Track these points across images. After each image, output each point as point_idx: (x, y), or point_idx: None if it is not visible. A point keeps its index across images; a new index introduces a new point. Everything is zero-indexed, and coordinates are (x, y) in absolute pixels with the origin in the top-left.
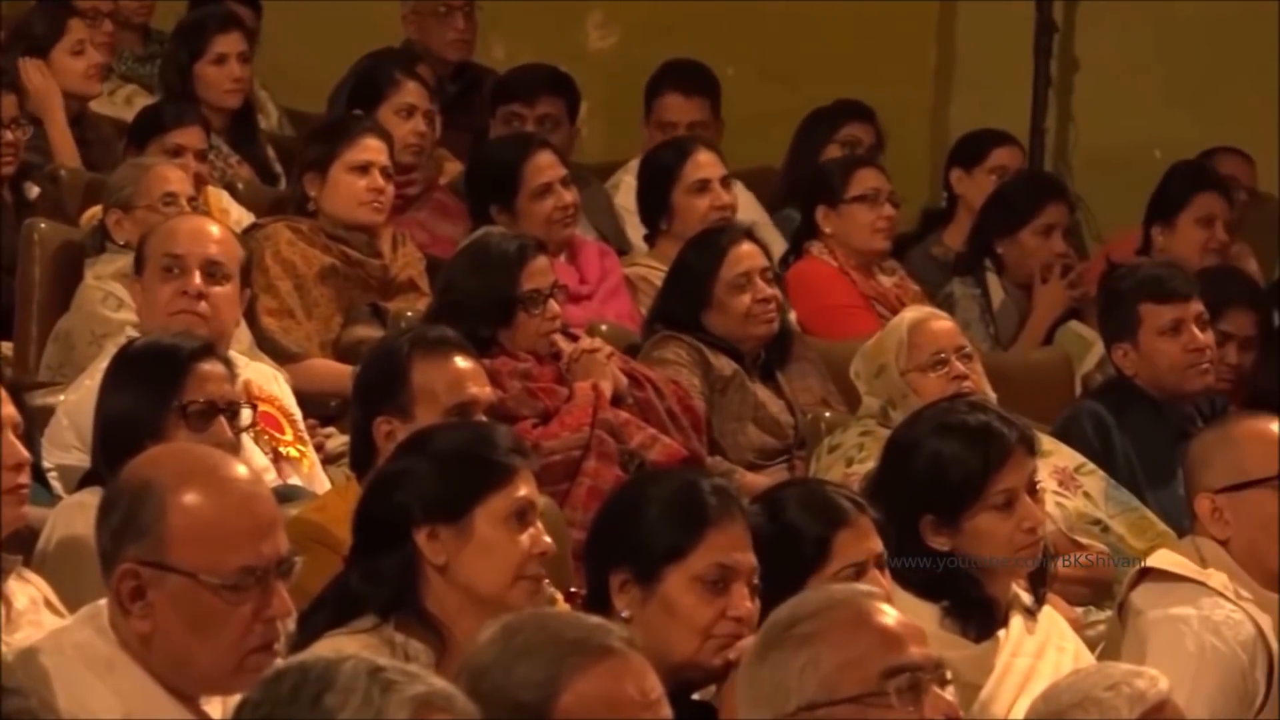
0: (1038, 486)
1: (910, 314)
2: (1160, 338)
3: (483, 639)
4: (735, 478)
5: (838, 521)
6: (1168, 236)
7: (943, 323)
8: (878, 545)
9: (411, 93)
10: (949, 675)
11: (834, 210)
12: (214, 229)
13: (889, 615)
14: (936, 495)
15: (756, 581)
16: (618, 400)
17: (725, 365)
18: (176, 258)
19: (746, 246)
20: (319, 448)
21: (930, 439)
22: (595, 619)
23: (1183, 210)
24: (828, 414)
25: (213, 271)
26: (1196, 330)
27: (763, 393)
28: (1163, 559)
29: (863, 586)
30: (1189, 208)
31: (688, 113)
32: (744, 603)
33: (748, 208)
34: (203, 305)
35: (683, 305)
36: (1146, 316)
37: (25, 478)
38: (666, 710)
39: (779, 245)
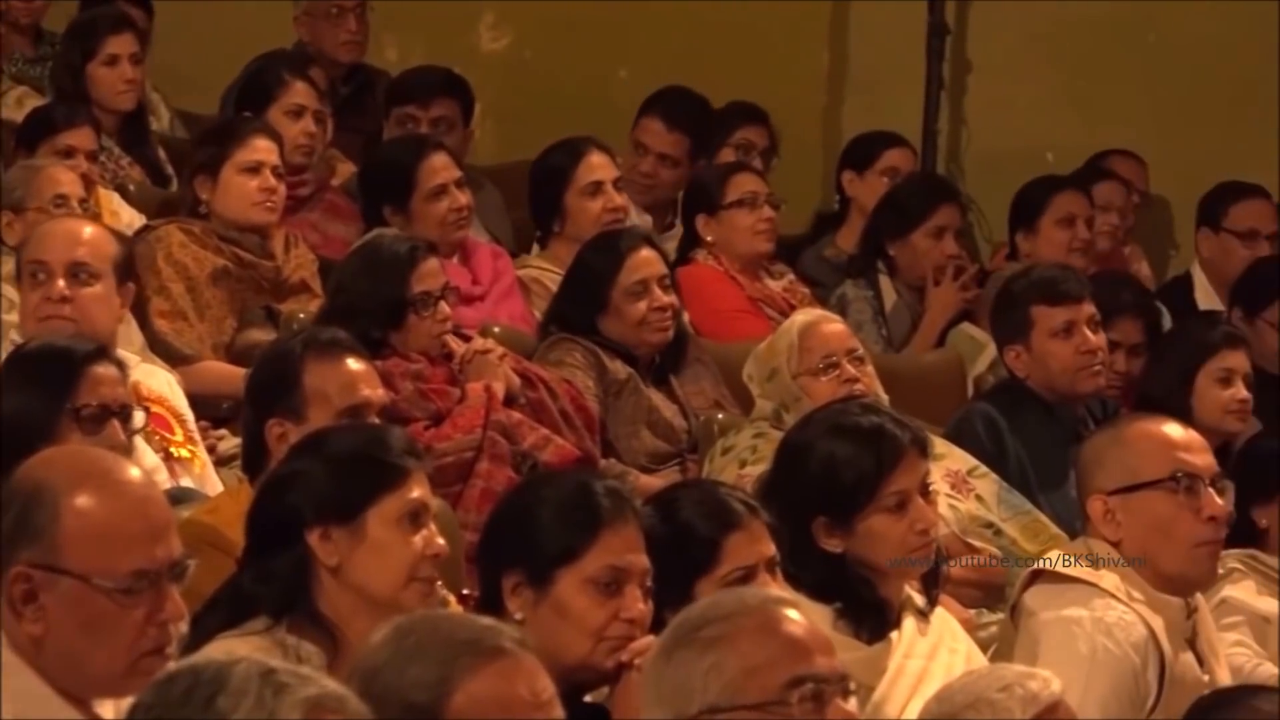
0: (930, 488)
1: (801, 317)
2: (1052, 340)
3: (374, 640)
4: (629, 479)
5: (729, 524)
6: (1031, 241)
7: (833, 325)
8: (769, 549)
9: (300, 93)
10: (853, 686)
11: (713, 218)
12: (84, 230)
13: (798, 624)
14: (829, 497)
15: (649, 583)
16: (510, 401)
17: (620, 369)
18: (41, 263)
19: (645, 253)
20: (211, 450)
21: (823, 441)
22: (487, 620)
23: (1042, 213)
24: (721, 416)
25: (78, 273)
26: (1088, 332)
27: (656, 397)
28: (1055, 561)
29: (775, 593)
30: (1048, 210)
31: (663, 143)
32: (637, 604)
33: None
34: (67, 309)
35: (579, 308)
36: (1039, 318)
37: None
38: (558, 710)
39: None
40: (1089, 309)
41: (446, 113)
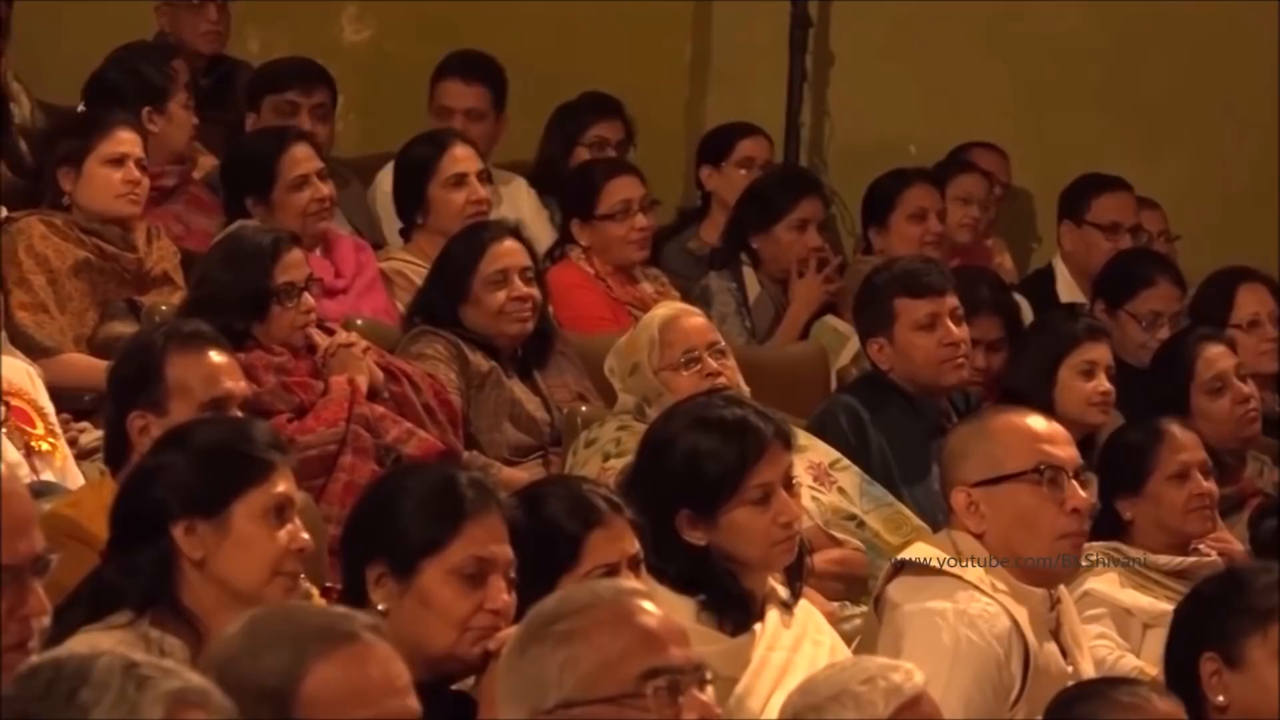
0: (794, 481)
1: (661, 311)
2: (915, 332)
3: (229, 632)
4: (492, 472)
5: (591, 521)
6: (884, 236)
7: (694, 319)
8: (632, 547)
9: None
10: (709, 676)
11: (587, 224)
12: None
13: (651, 616)
14: (693, 490)
15: (513, 574)
16: (374, 395)
17: (482, 361)
18: None
19: (508, 244)
20: (72, 443)
21: (686, 434)
22: (340, 608)
23: (894, 208)
24: (584, 408)
25: None
26: (951, 325)
27: (519, 389)
28: (918, 552)
29: (628, 584)
30: (899, 204)
31: (466, 99)
32: (501, 595)
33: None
34: None
35: (442, 298)
36: (902, 311)
37: None
38: (413, 698)
39: (549, 241)
40: (952, 301)
41: (325, 100)
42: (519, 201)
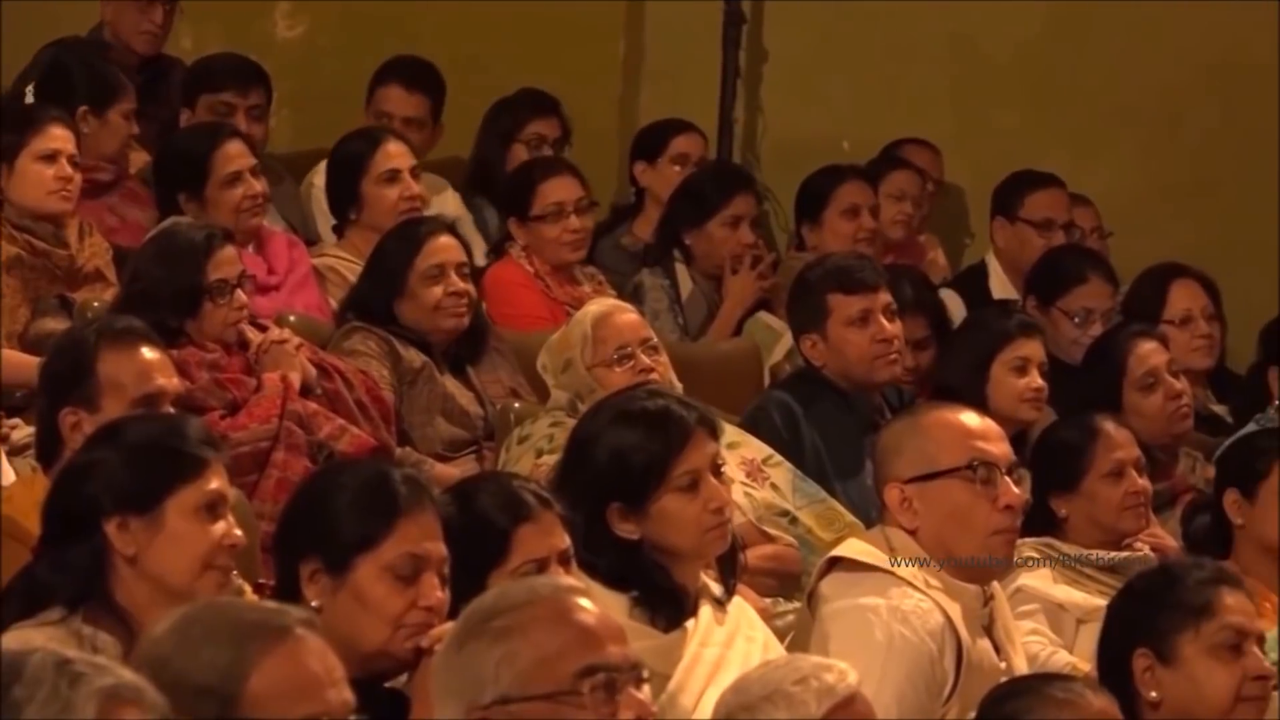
0: (721, 467)
1: (594, 308)
2: (848, 328)
3: (159, 629)
4: (425, 468)
5: (520, 516)
6: (817, 233)
7: (627, 316)
8: (562, 542)
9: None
10: (645, 674)
11: (524, 225)
12: None
13: (589, 613)
14: (621, 482)
15: (447, 571)
16: (306, 391)
17: (415, 357)
18: None
19: (445, 239)
20: (4, 439)
21: (611, 428)
22: (272, 604)
23: (827, 204)
24: (517, 405)
25: None
26: (884, 321)
27: (451, 385)
28: (851, 549)
29: (566, 581)
30: (832, 201)
31: (406, 107)
32: (435, 592)
33: (451, 206)
34: None
35: (377, 292)
36: (835, 307)
37: None
38: (349, 691)
39: (479, 246)
40: (885, 298)
41: (261, 101)
42: (447, 210)
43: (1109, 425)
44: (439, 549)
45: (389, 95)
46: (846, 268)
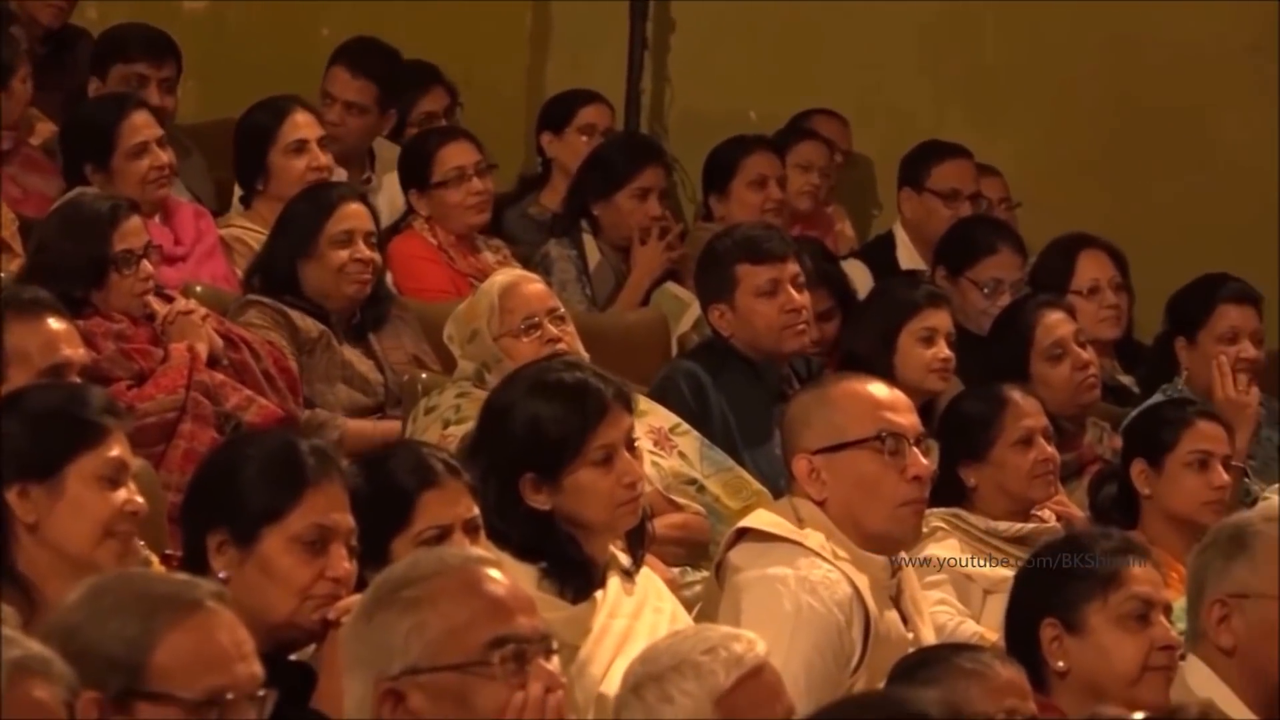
0: (635, 443)
1: (501, 278)
2: (757, 299)
3: (70, 599)
4: (336, 424)
5: (426, 482)
6: (725, 204)
7: (534, 286)
8: (468, 510)
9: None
10: (555, 645)
11: (425, 194)
12: None
13: (499, 584)
14: (535, 453)
15: (354, 542)
16: (213, 362)
17: (311, 327)
18: None
19: (356, 207)
20: None
21: (527, 399)
22: (183, 576)
23: (734, 175)
24: (424, 375)
25: None
26: (793, 291)
27: (350, 353)
28: (760, 519)
29: (476, 552)
30: (739, 172)
31: (348, 91)
32: (342, 563)
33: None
34: None
35: (284, 254)
36: (743, 277)
37: None
38: (258, 664)
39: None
40: (793, 268)
41: (172, 74)
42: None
43: (1017, 394)
44: (346, 520)
45: (334, 76)
46: (755, 238)
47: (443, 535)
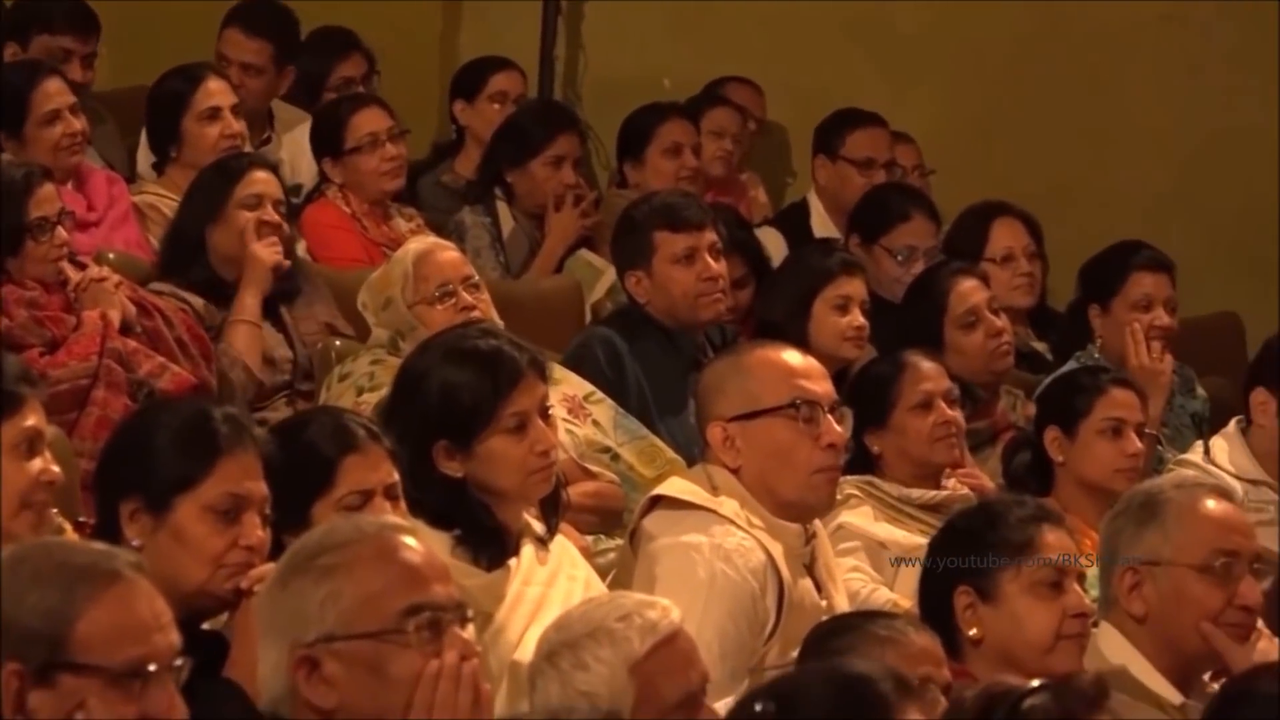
0: (549, 410)
1: (415, 245)
2: (674, 266)
3: None
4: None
5: (348, 446)
6: (640, 171)
7: (448, 253)
8: (390, 475)
9: None
10: (470, 614)
11: (338, 161)
12: None
13: (415, 552)
14: (449, 421)
15: (268, 511)
16: (127, 329)
17: (214, 314)
18: None
19: (264, 174)
20: None
21: (441, 366)
22: (101, 545)
23: (649, 142)
24: (338, 342)
25: None
26: (710, 259)
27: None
28: (674, 486)
29: (392, 520)
30: (654, 139)
31: (244, 53)
32: (256, 531)
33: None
34: None
35: (193, 220)
36: (661, 244)
37: None
38: (175, 633)
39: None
40: (711, 236)
41: (95, 49)
42: (303, 143)
43: (916, 358)
44: (260, 488)
45: (228, 38)
46: (673, 205)
47: (365, 500)
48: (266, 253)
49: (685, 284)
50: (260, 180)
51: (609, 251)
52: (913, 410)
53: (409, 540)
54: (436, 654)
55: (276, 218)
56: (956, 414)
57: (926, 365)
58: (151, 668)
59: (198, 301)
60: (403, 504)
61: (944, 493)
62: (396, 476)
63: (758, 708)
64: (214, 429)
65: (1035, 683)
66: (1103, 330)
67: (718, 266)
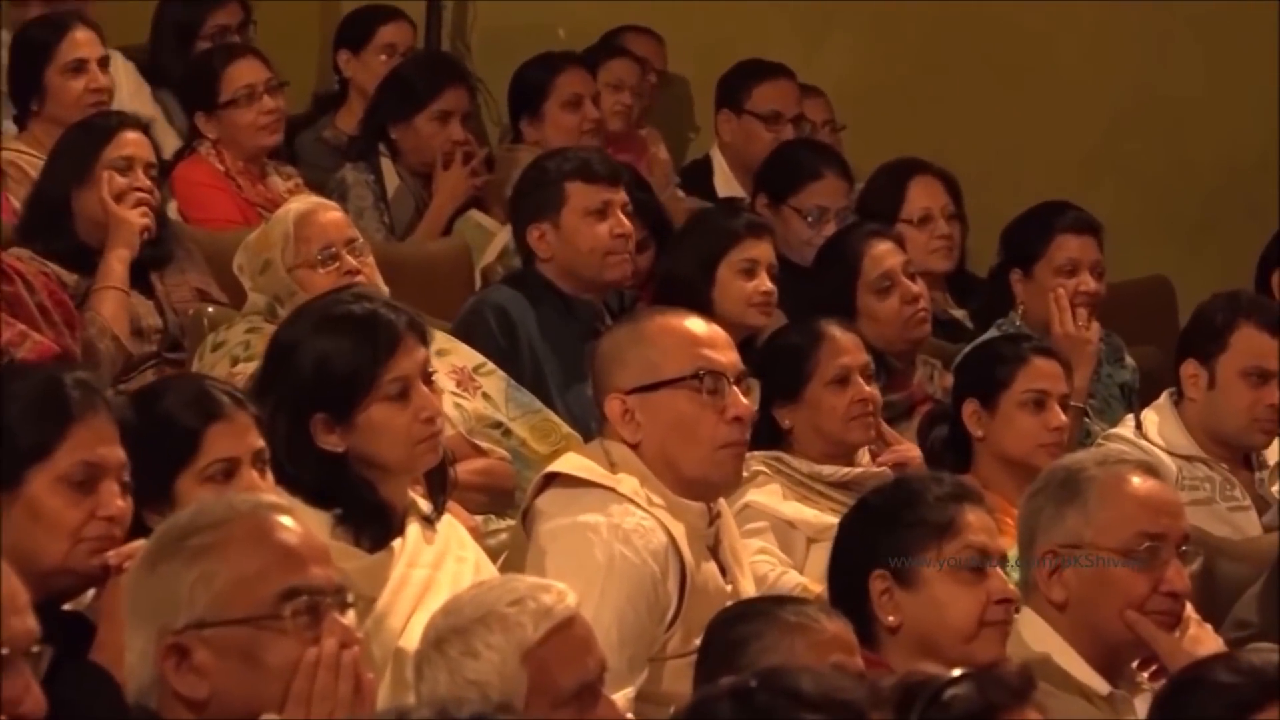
0: (432, 375)
1: (296, 205)
2: (586, 218)
3: None
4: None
5: (212, 415)
6: (538, 126)
7: (331, 214)
8: (256, 442)
9: None
10: (350, 598)
11: (212, 116)
12: None
13: (291, 532)
14: (326, 391)
15: (127, 478)
16: None
17: (79, 282)
18: None
19: (136, 135)
20: None
21: (314, 334)
22: None
23: (546, 96)
24: (211, 309)
25: None
26: (622, 217)
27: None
28: (569, 463)
29: (268, 498)
30: (552, 92)
31: None
32: (115, 501)
33: (121, 77)
34: None
35: (58, 183)
36: (573, 195)
37: None
38: (33, 617)
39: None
40: (623, 196)
41: None
42: (119, 78)
43: (833, 329)
44: (116, 454)
45: None
46: (589, 158)
47: (231, 469)
48: (133, 213)
49: (596, 239)
50: (131, 142)
51: (501, 212)
52: (829, 385)
53: (285, 520)
54: (315, 641)
55: (148, 183)
56: (874, 390)
57: (844, 337)
58: (4, 653)
59: (63, 272)
60: (269, 474)
61: (858, 469)
62: (263, 444)
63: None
64: (65, 395)
65: (957, 672)
66: (1025, 296)
67: (629, 225)
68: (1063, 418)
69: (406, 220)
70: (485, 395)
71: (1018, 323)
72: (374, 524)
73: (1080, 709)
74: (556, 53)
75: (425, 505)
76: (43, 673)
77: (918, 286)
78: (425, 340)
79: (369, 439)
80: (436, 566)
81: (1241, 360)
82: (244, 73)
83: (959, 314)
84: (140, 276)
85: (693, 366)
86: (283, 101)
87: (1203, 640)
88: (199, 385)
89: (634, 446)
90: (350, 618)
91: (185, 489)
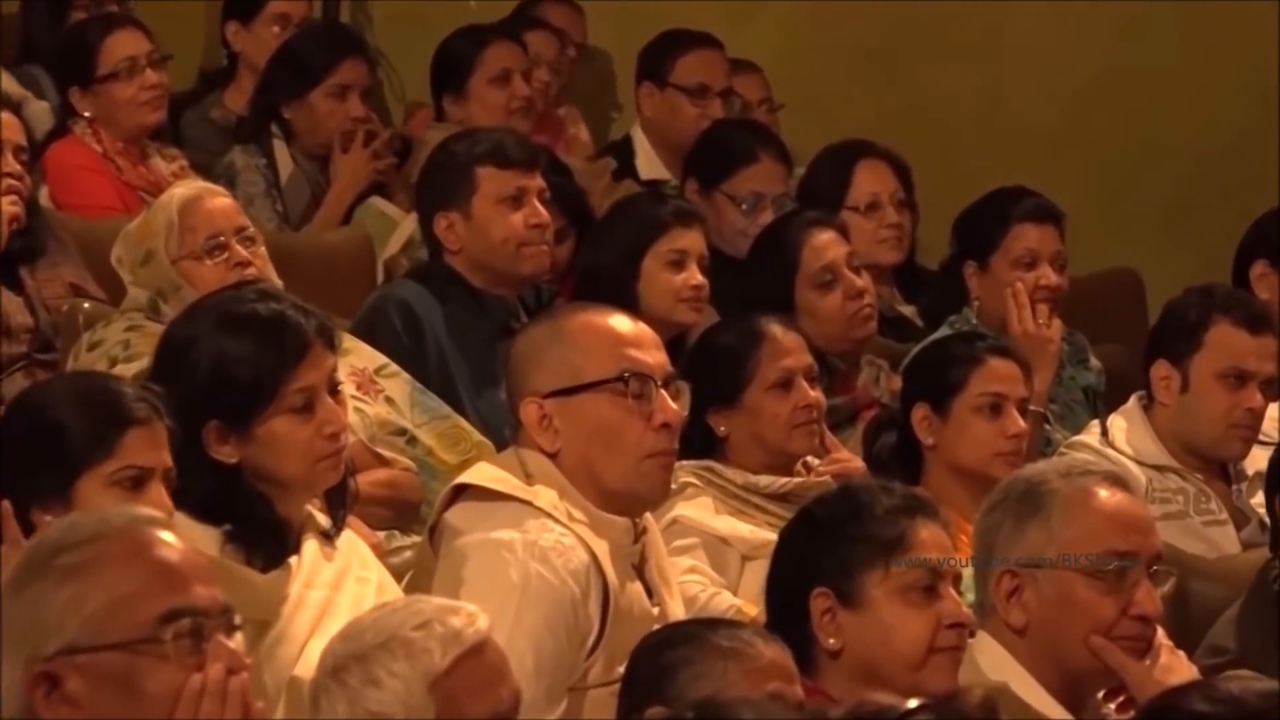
0: (339, 386)
1: (181, 191)
2: (498, 206)
3: None
4: None
5: (133, 418)
6: (462, 104)
7: (219, 201)
8: (169, 459)
9: None
10: (238, 620)
11: (87, 91)
12: None
13: (172, 549)
14: (223, 398)
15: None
16: None
17: None
18: None
19: (6, 117)
20: None
21: (213, 334)
22: None
23: (472, 71)
24: (86, 305)
25: None
26: (539, 205)
27: None
28: (481, 474)
29: (145, 511)
30: (478, 67)
31: None
32: None
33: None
34: None
35: None
36: (485, 181)
37: None
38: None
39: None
40: (540, 182)
41: None
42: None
43: (775, 328)
44: None
45: None
46: (502, 141)
47: (141, 479)
48: (0, 202)
49: (510, 229)
50: (3, 124)
51: (405, 199)
52: (770, 390)
53: (165, 535)
54: (199, 667)
55: (18, 168)
56: (818, 395)
57: (786, 337)
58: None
59: None
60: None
61: (796, 480)
62: (171, 462)
63: None
64: None
65: (914, 703)
66: (980, 291)
67: (545, 214)
68: (1021, 424)
69: (301, 207)
70: (388, 399)
71: (972, 320)
72: (267, 541)
73: None
74: (483, 25)
75: (324, 520)
76: None
77: (863, 280)
78: (334, 348)
79: (267, 452)
80: (335, 587)
81: (1217, 361)
82: (123, 44)
83: (908, 310)
84: (8, 271)
85: (617, 368)
86: (166, 76)
87: (1175, 668)
88: (119, 386)
89: (552, 456)
90: (238, 641)
91: (88, 490)
